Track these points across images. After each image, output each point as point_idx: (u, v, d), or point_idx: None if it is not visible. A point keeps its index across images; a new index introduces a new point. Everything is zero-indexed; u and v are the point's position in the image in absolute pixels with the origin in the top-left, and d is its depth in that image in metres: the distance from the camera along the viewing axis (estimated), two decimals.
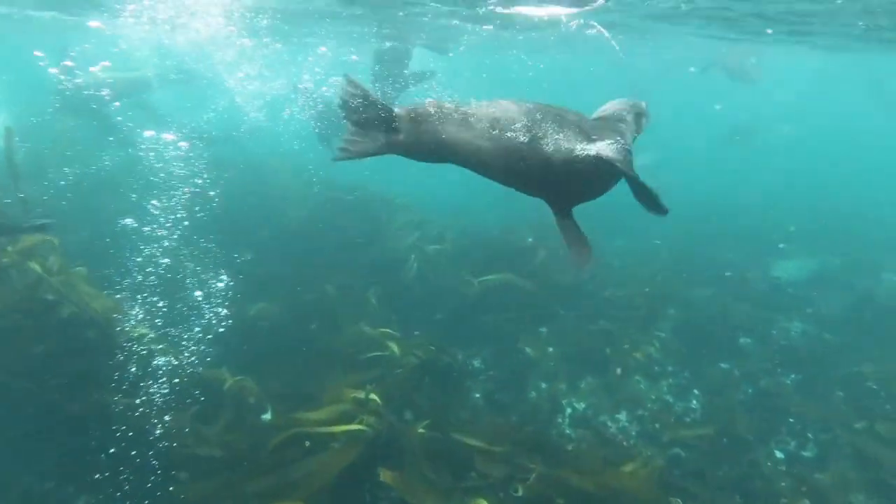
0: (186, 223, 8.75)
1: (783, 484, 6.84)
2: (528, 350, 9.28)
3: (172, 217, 8.66)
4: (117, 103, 12.93)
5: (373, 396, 6.41)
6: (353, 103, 3.24)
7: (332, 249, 11.22)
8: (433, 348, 8.11)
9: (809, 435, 7.65)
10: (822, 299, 11.35)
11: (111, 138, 12.81)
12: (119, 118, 12.96)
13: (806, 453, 7.40)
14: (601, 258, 12.99)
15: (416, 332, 8.76)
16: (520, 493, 5.79)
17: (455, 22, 13.39)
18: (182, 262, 8.61)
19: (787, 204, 19.45)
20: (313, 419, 6.12)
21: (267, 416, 6.57)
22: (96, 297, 6.80)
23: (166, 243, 8.37)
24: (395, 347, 7.81)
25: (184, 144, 11.05)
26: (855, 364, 8.98)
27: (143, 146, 11.53)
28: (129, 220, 8.77)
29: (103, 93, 12.32)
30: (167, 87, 15.23)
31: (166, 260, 8.28)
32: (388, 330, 8.26)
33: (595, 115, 3.45)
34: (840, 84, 30.87)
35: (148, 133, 11.99)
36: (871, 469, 6.97)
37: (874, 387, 8.44)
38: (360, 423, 6.07)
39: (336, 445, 5.85)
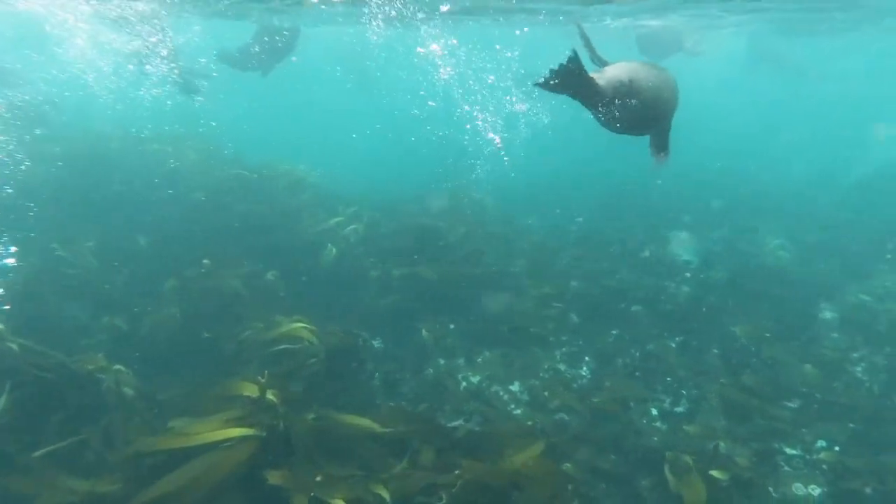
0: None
1: (655, 439, 7.32)
2: (425, 331, 9.50)
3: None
4: None
5: (270, 395, 6.21)
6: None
7: (237, 233, 11.06)
8: (340, 334, 8.20)
9: (683, 391, 8.19)
10: (710, 265, 12.05)
11: None
12: None
13: (678, 408, 7.92)
14: (513, 234, 13.44)
15: (325, 319, 8.78)
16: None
17: None
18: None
19: (696, 178, 20.44)
20: (195, 430, 5.66)
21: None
22: None
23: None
24: (303, 335, 7.76)
25: None
26: (731, 323, 9.63)
27: None
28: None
29: None
30: None
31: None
32: (297, 320, 8.19)
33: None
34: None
35: None
36: (736, 416, 7.53)
37: (745, 342, 9.08)
38: (250, 425, 5.72)
39: (218, 453, 5.40)
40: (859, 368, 8.51)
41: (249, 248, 10.64)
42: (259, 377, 6.37)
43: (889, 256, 12.45)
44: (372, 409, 7.58)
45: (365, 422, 6.76)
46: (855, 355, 8.80)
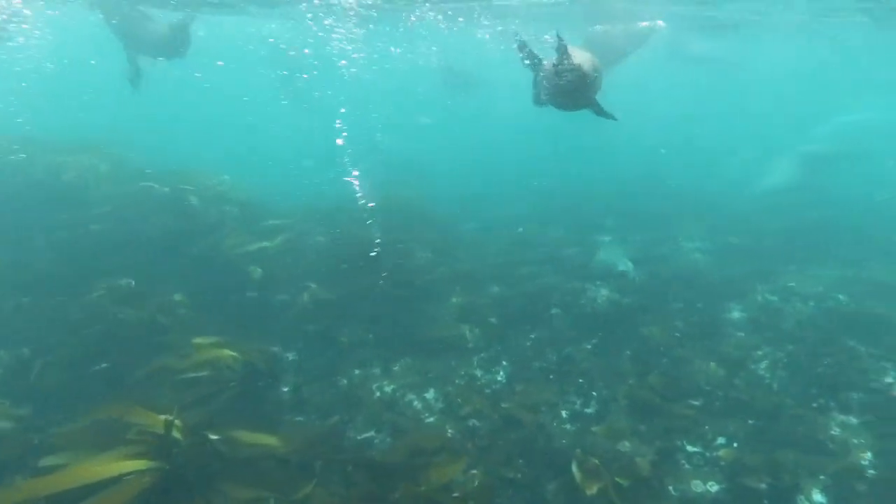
0: None
1: (563, 441, 7.33)
2: (342, 341, 9.28)
3: None
4: None
5: (172, 422, 5.78)
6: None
7: (153, 252, 10.53)
8: (255, 352, 7.90)
9: (594, 393, 8.24)
10: (629, 268, 12.26)
11: None
12: None
13: (588, 410, 7.96)
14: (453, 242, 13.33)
15: (242, 338, 8.43)
16: None
17: None
18: None
19: (623, 180, 20.97)
20: (82, 467, 5.19)
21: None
22: None
23: None
24: (216, 358, 7.40)
25: None
26: (645, 325, 9.81)
27: None
28: None
29: None
30: None
31: None
32: (212, 342, 7.80)
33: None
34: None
35: None
36: (641, 416, 7.62)
37: (657, 343, 9.25)
38: (147, 457, 5.38)
39: (110, 491, 4.97)
40: (762, 366, 8.77)
41: (166, 268, 10.19)
42: (163, 404, 6.08)
43: (797, 256, 13.02)
44: (281, 426, 7.37)
45: (269, 440, 6.54)
46: (758, 353, 9.07)
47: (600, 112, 6.29)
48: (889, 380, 8.56)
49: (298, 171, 21.42)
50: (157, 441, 5.58)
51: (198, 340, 7.71)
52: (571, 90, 5.68)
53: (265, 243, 11.22)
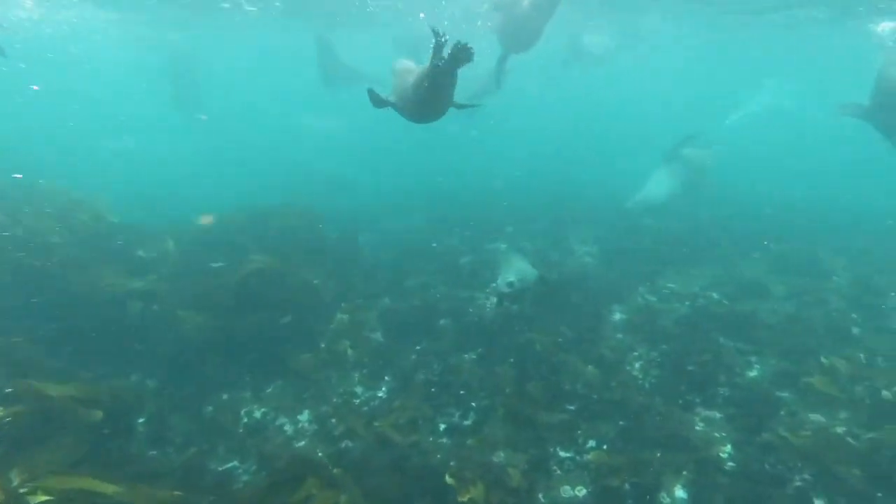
0: None
1: (438, 456, 7.13)
2: (212, 365, 8.70)
3: None
4: None
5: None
6: None
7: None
8: (116, 390, 7.20)
9: (473, 404, 8.12)
10: (521, 275, 12.33)
11: None
12: None
13: (466, 422, 7.82)
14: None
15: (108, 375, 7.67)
16: None
17: None
18: None
19: (526, 185, 21.34)
20: None
21: None
22: None
23: None
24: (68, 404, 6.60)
25: None
26: (532, 331, 9.82)
27: None
28: None
29: None
30: None
31: None
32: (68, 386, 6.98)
33: None
34: None
35: None
36: (517, 425, 7.54)
37: (539, 349, 9.26)
38: None
39: None
40: (637, 366, 8.97)
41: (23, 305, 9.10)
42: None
43: (679, 257, 13.56)
44: (133, 464, 6.76)
45: (108, 489, 5.92)
46: (634, 354, 9.29)
47: (461, 105, 5.90)
48: (753, 373, 8.98)
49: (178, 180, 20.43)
50: None
51: (50, 385, 6.90)
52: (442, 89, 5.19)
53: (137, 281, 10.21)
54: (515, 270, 12.34)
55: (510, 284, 11.64)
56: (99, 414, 6.72)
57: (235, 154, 29.08)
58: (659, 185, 13.71)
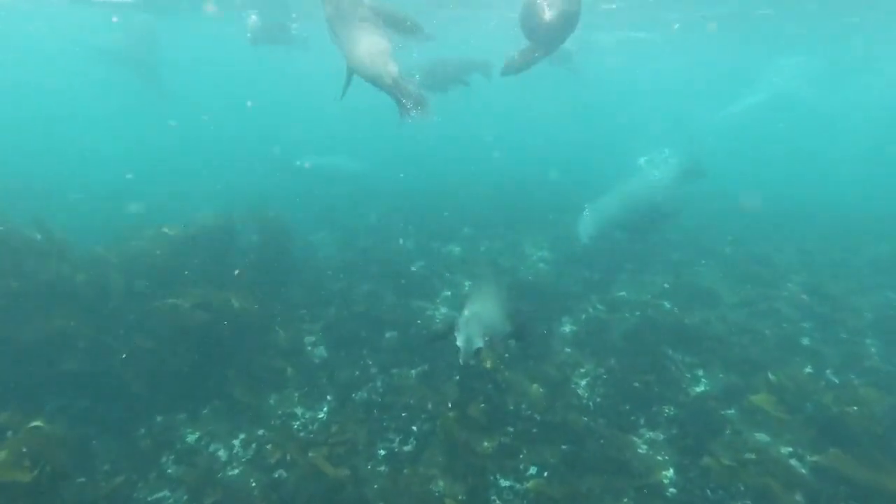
0: None
1: (375, 486, 6.90)
2: (142, 387, 8.26)
3: None
4: None
5: None
6: None
7: None
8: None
9: (414, 428, 7.90)
10: (474, 282, 12.15)
11: None
12: None
13: (406, 448, 7.60)
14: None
15: None
16: None
17: None
18: None
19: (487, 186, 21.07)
20: None
21: None
22: None
23: None
24: None
25: None
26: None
27: None
28: None
29: None
30: None
31: None
32: None
33: None
34: None
35: None
36: (456, 451, 7.35)
37: (485, 366, 9.06)
38: None
39: None
40: (582, 384, 8.88)
41: None
42: None
43: (633, 263, 13.53)
44: (64, 489, 6.33)
45: None
46: (581, 370, 9.20)
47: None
48: (699, 388, 8.98)
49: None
50: None
51: None
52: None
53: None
54: (484, 327, 9.34)
55: (478, 352, 8.65)
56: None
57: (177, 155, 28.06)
58: (612, 211, 12.93)
